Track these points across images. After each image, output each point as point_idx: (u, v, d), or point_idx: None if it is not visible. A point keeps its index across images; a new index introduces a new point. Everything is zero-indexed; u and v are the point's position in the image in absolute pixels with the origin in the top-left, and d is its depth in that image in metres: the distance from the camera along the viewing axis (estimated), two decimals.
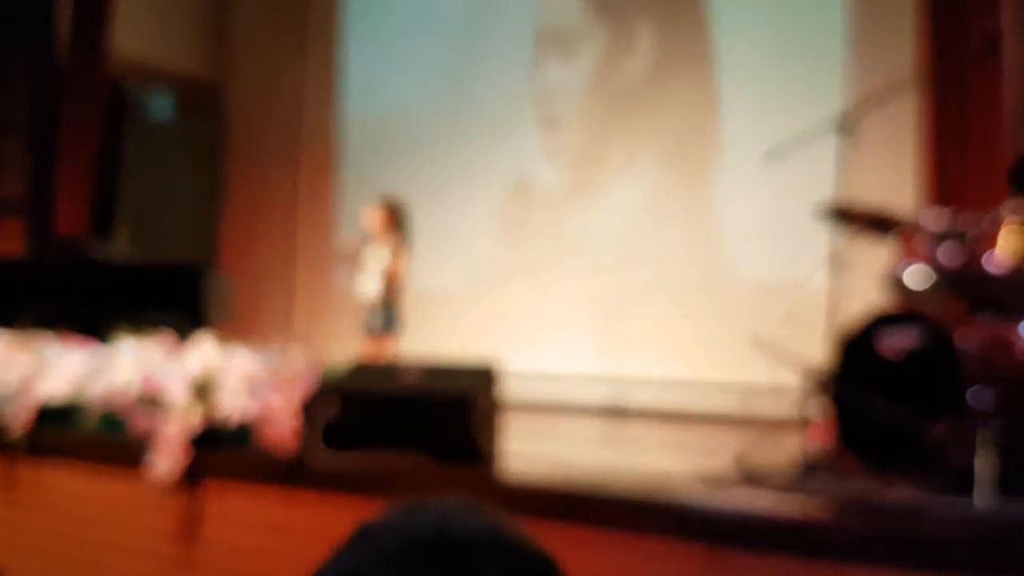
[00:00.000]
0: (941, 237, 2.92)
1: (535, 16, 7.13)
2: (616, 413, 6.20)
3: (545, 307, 6.69)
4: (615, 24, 6.76)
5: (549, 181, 6.99)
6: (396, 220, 5.32)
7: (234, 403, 3.09)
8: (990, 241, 2.88)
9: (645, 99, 6.61)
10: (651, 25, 6.62)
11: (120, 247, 6.61)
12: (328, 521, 2.83)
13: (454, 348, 4.92)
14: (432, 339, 5.54)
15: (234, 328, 5.82)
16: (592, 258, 6.69)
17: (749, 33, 6.22)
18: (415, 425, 2.83)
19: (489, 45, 7.33)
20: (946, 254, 2.90)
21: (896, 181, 5.11)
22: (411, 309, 5.36)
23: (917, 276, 2.97)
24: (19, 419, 3.61)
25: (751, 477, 2.64)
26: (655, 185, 6.54)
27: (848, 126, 3.02)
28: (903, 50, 5.03)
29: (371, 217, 5.34)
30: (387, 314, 5.21)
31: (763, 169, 3.12)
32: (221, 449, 3.12)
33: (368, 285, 5.26)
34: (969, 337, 2.41)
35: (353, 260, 5.36)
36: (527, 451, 3.04)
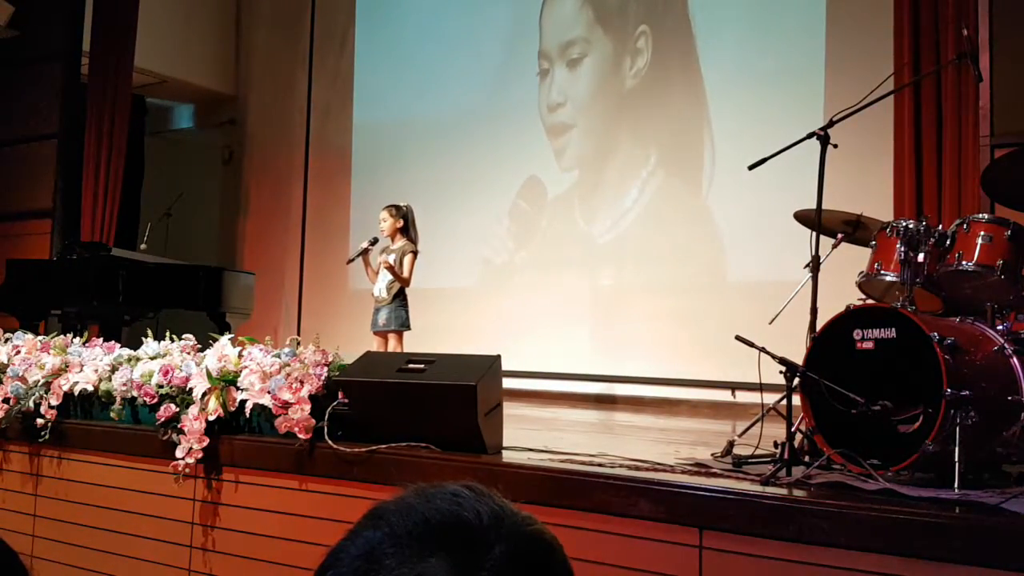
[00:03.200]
0: (917, 239, 2.92)
1: (540, 30, 7.11)
2: (611, 404, 6.21)
3: (546, 305, 6.69)
4: (616, 31, 6.74)
5: (550, 184, 6.97)
6: (404, 223, 5.32)
7: (250, 396, 3.10)
8: (964, 243, 2.88)
9: (642, 106, 6.59)
10: (647, 32, 6.60)
11: (143, 251, 6.61)
12: (338, 508, 2.84)
13: (458, 346, 4.92)
14: (436, 337, 5.53)
15: (251, 325, 5.83)
16: (590, 258, 6.68)
17: (736, 44, 6.22)
18: (421, 415, 2.82)
19: (493, 53, 7.32)
20: (921, 256, 2.90)
21: (874, 185, 5.11)
22: (417, 308, 5.35)
23: (894, 277, 2.97)
24: (44, 410, 3.61)
25: (739, 465, 2.64)
26: (652, 189, 6.52)
27: (828, 134, 3.01)
28: (881, 58, 5.02)
29: (382, 220, 5.34)
30: (395, 313, 5.20)
31: (751, 175, 3.11)
32: (238, 439, 3.12)
33: (378, 285, 5.26)
34: (943, 333, 2.41)
35: (365, 262, 5.35)
36: (527, 440, 3.04)
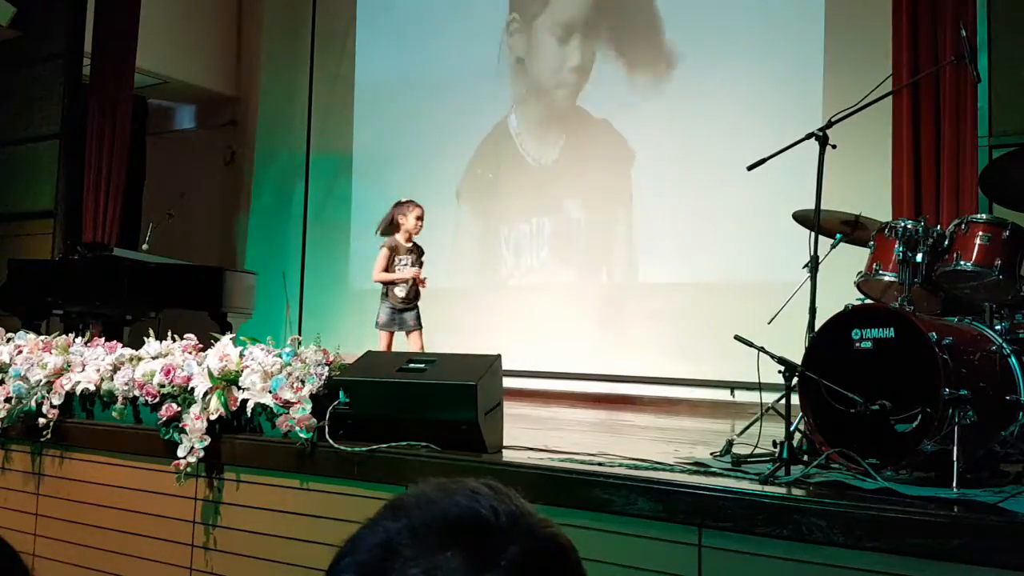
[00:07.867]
0: (916, 239, 2.92)
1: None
2: (610, 403, 6.20)
3: (547, 304, 6.68)
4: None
5: (555, 183, 6.97)
6: (398, 223, 5.29)
7: (251, 395, 3.09)
8: (963, 243, 2.88)
9: (654, 105, 6.60)
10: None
11: (145, 251, 6.60)
12: (339, 507, 2.84)
13: (457, 345, 4.92)
14: (435, 337, 5.53)
15: (252, 324, 5.83)
16: (591, 257, 6.68)
17: (737, 44, 6.21)
18: (422, 414, 2.82)
19: (495, 54, 7.31)
20: (920, 256, 2.90)
21: (873, 186, 5.10)
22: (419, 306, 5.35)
23: (892, 277, 2.97)
24: (46, 410, 3.61)
25: (738, 464, 2.64)
26: (655, 186, 6.51)
27: (826, 134, 3.02)
28: (879, 58, 5.01)
29: (422, 222, 5.32)
30: (418, 312, 5.26)
31: (752, 176, 3.11)
32: (239, 439, 3.12)
33: (408, 288, 5.24)
34: (941, 333, 2.41)
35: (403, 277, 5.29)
36: (527, 439, 3.04)
